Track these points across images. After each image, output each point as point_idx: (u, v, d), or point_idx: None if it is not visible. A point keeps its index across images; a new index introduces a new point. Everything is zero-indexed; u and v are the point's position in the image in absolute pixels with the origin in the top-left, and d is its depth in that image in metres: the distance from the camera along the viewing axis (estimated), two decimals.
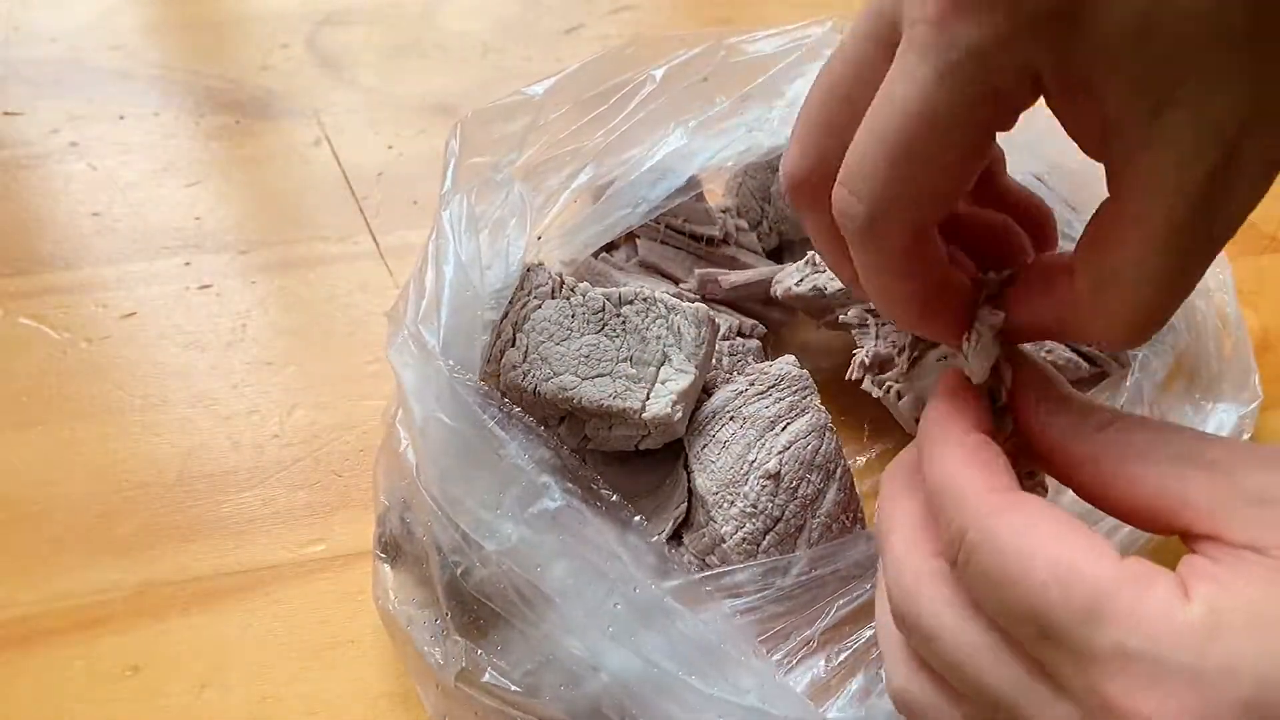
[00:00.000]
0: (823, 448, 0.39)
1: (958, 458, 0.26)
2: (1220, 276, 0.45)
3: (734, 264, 0.49)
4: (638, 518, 0.36)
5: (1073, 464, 0.27)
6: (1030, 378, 0.28)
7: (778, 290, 0.46)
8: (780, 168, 0.30)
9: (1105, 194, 0.25)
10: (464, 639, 0.35)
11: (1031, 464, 0.29)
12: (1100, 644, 0.22)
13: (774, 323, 0.48)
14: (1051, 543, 0.23)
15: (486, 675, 0.34)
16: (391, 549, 0.38)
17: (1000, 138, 0.27)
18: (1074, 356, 0.46)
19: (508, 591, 0.34)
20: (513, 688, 0.33)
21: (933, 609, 0.25)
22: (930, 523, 0.27)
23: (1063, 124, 0.26)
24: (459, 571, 0.34)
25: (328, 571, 0.42)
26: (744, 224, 0.50)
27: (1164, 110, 0.23)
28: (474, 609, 0.35)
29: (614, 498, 0.36)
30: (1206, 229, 0.24)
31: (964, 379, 0.29)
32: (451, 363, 0.35)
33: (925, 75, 0.24)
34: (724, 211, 0.50)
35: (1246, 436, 0.42)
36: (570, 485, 0.35)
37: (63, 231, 0.56)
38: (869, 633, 0.36)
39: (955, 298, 0.29)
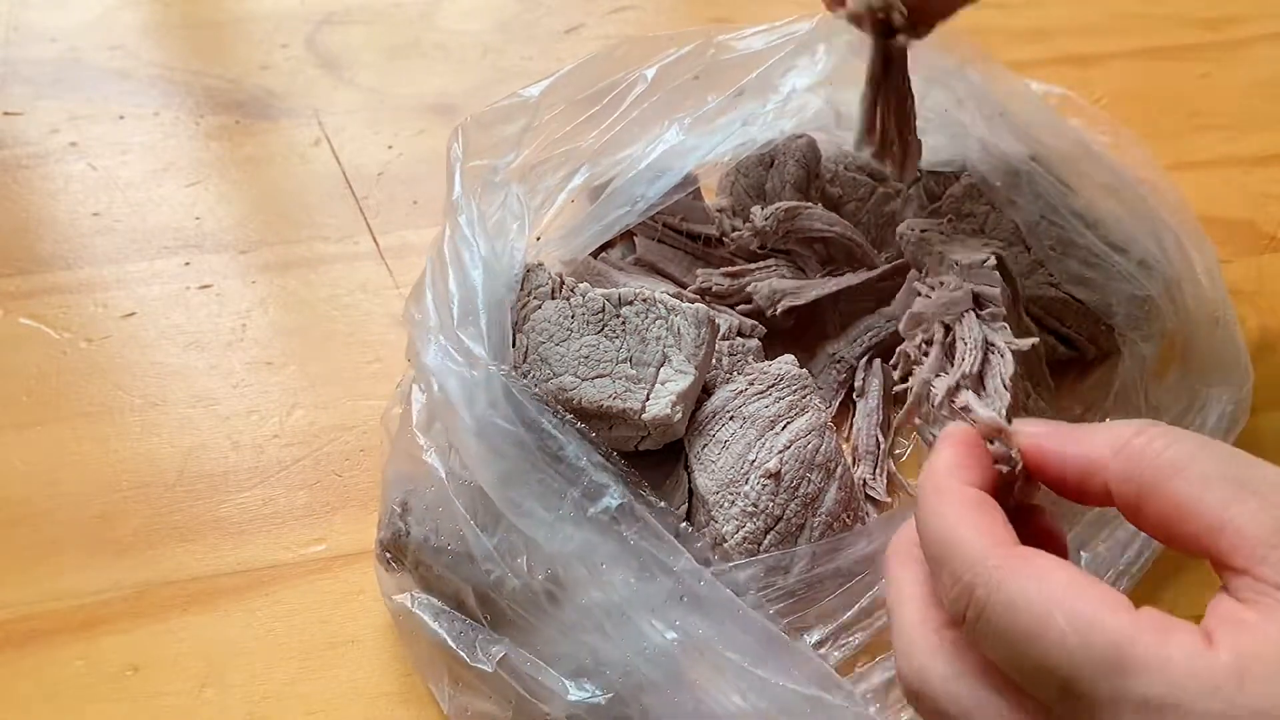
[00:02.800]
0: (823, 447, 0.39)
1: (958, 511, 0.26)
2: (1207, 263, 0.45)
3: (730, 263, 0.49)
4: (684, 524, 0.36)
5: (1110, 481, 0.26)
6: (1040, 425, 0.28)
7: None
8: None
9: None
10: (503, 635, 0.35)
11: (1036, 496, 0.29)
12: (1127, 696, 0.22)
13: (774, 323, 0.48)
14: (1067, 595, 0.23)
15: (528, 666, 0.34)
16: (397, 552, 0.38)
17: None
18: (1049, 338, 0.46)
19: (540, 600, 0.34)
20: (565, 693, 0.34)
21: (945, 685, 0.25)
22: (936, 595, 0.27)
23: None
24: (491, 579, 0.34)
25: (328, 571, 0.42)
26: (739, 223, 0.50)
27: None
28: (507, 614, 0.35)
29: (661, 503, 0.36)
30: None
31: (969, 433, 0.28)
32: (505, 367, 0.36)
33: None
34: (719, 211, 0.50)
35: (1242, 420, 0.43)
36: (624, 486, 0.35)
37: (63, 231, 0.56)
38: (872, 626, 0.36)
39: None
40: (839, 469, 0.39)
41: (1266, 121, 0.63)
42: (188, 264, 0.54)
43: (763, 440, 0.38)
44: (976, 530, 0.25)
